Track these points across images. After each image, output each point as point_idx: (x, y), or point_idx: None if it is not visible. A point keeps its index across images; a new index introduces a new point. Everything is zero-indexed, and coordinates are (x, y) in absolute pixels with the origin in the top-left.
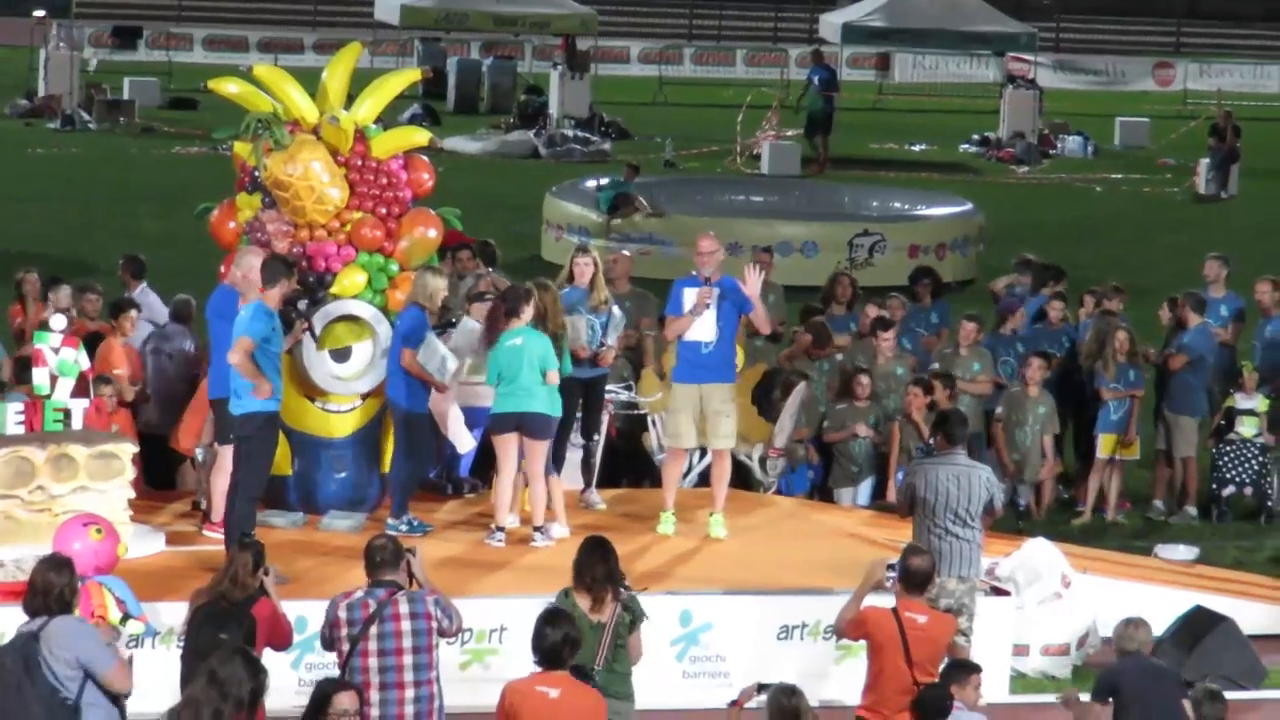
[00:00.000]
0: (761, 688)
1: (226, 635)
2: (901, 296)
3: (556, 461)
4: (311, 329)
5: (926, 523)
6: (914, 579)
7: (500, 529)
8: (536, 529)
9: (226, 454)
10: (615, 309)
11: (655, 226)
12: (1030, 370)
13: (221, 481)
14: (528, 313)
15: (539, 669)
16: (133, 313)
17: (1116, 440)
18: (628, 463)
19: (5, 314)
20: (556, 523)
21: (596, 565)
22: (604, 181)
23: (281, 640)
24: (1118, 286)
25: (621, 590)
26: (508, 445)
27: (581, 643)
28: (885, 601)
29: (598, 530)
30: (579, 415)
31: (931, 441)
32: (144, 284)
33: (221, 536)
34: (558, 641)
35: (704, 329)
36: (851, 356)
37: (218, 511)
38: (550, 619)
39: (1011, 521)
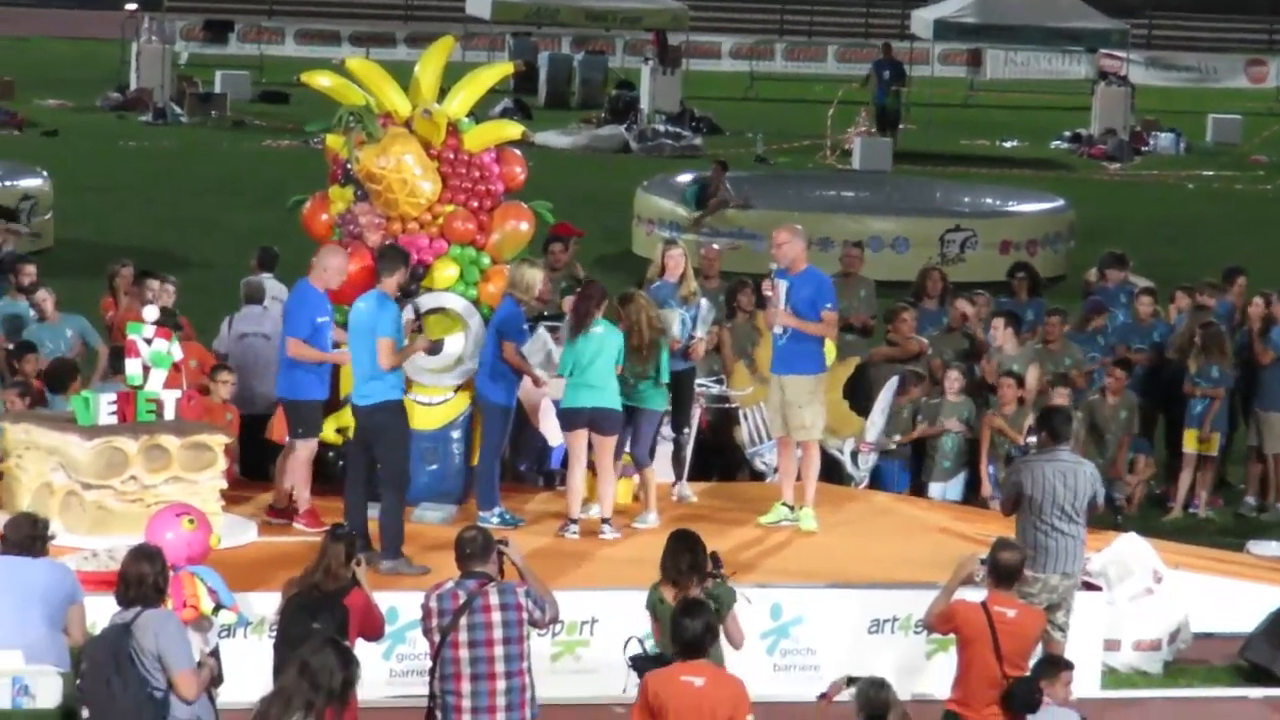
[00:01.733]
0: (850, 681)
1: (319, 625)
2: (987, 293)
3: (650, 453)
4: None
5: (1033, 519)
6: (1004, 573)
7: (574, 522)
8: (605, 521)
9: (298, 447)
10: (704, 302)
11: (745, 221)
12: (1112, 380)
13: (300, 474)
14: (604, 309)
15: (677, 659)
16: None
17: (1197, 435)
18: (718, 456)
19: (98, 307)
20: (651, 512)
21: (681, 556)
22: (690, 178)
23: (373, 631)
24: (1213, 282)
25: (710, 579)
26: (580, 439)
27: (719, 632)
28: (975, 596)
29: (688, 523)
30: (668, 409)
31: (1030, 440)
32: (271, 274)
33: (303, 529)
34: (699, 631)
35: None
36: (940, 350)
37: (301, 503)
38: (687, 610)
39: (1109, 518)
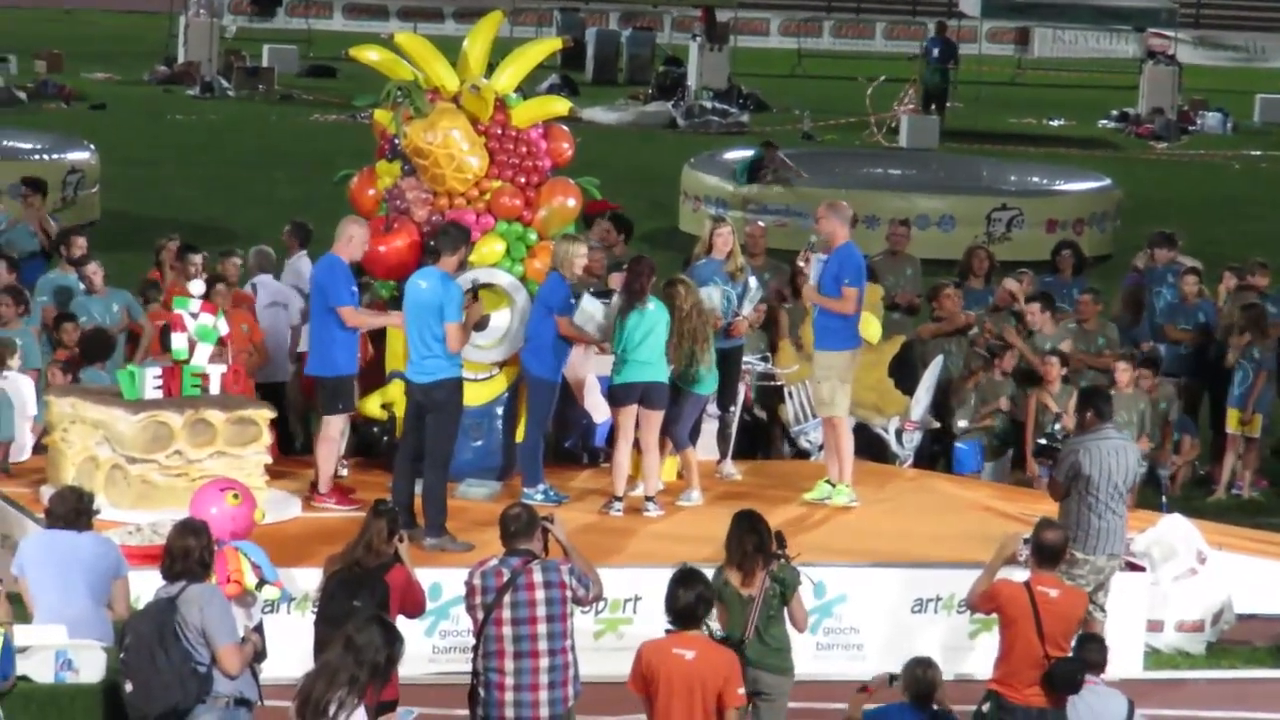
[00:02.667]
0: (893, 679)
1: (359, 602)
2: (1030, 271)
3: (694, 433)
4: (475, 294)
5: (1089, 499)
6: (1047, 553)
7: (618, 499)
8: (649, 499)
9: (331, 423)
10: (752, 279)
11: (792, 199)
12: (1118, 373)
13: (325, 450)
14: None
15: (672, 629)
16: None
17: (1239, 415)
18: (764, 434)
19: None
20: (695, 489)
21: (746, 538)
22: (747, 154)
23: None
24: (1262, 262)
25: (775, 561)
26: (629, 416)
27: (714, 602)
28: (1019, 575)
29: (732, 501)
30: (714, 392)
31: (1059, 423)
32: (304, 251)
33: (329, 507)
34: (691, 601)
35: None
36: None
37: (325, 482)
38: (683, 579)
39: (1154, 498)
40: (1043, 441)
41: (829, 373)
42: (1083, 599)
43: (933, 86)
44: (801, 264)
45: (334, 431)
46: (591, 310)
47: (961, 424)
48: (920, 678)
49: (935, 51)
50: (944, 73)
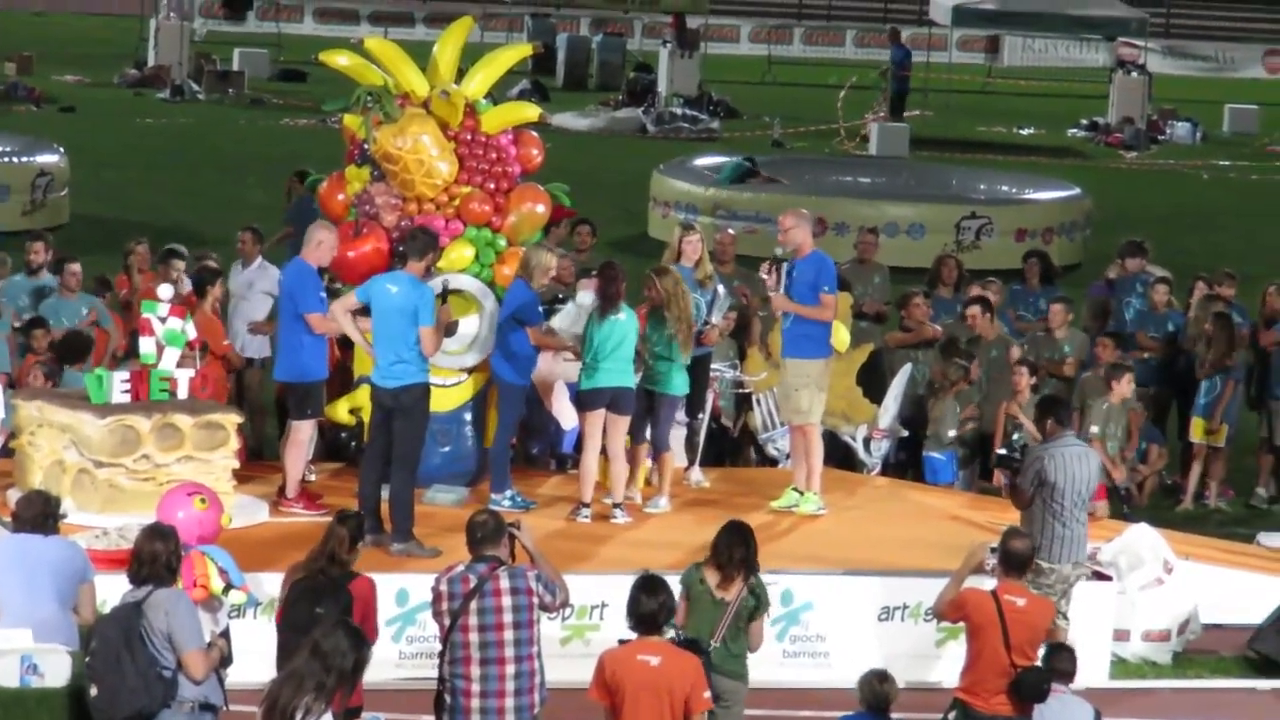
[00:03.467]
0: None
1: (322, 609)
2: (999, 281)
3: (662, 441)
4: (444, 298)
5: (1053, 507)
6: (1014, 562)
7: (586, 505)
8: (616, 505)
9: (300, 429)
10: (720, 287)
11: (762, 205)
12: (1122, 385)
13: (293, 455)
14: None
15: (634, 636)
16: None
17: (1205, 425)
18: (731, 440)
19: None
20: (664, 496)
21: (736, 548)
22: (724, 161)
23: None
24: (1230, 273)
25: (753, 577)
26: (597, 421)
27: (675, 610)
28: (986, 584)
29: (700, 508)
30: (688, 392)
31: (1017, 433)
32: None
33: (296, 512)
34: (654, 608)
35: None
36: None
37: (292, 487)
38: (646, 586)
39: (1118, 508)
40: (1003, 451)
41: (805, 380)
42: (1049, 608)
43: (897, 94)
44: (765, 276)
45: (302, 436)
46: (575, 313)
47: (951, 433)
48: (877, 691)
49: (899, 58)
50: (901, 79)
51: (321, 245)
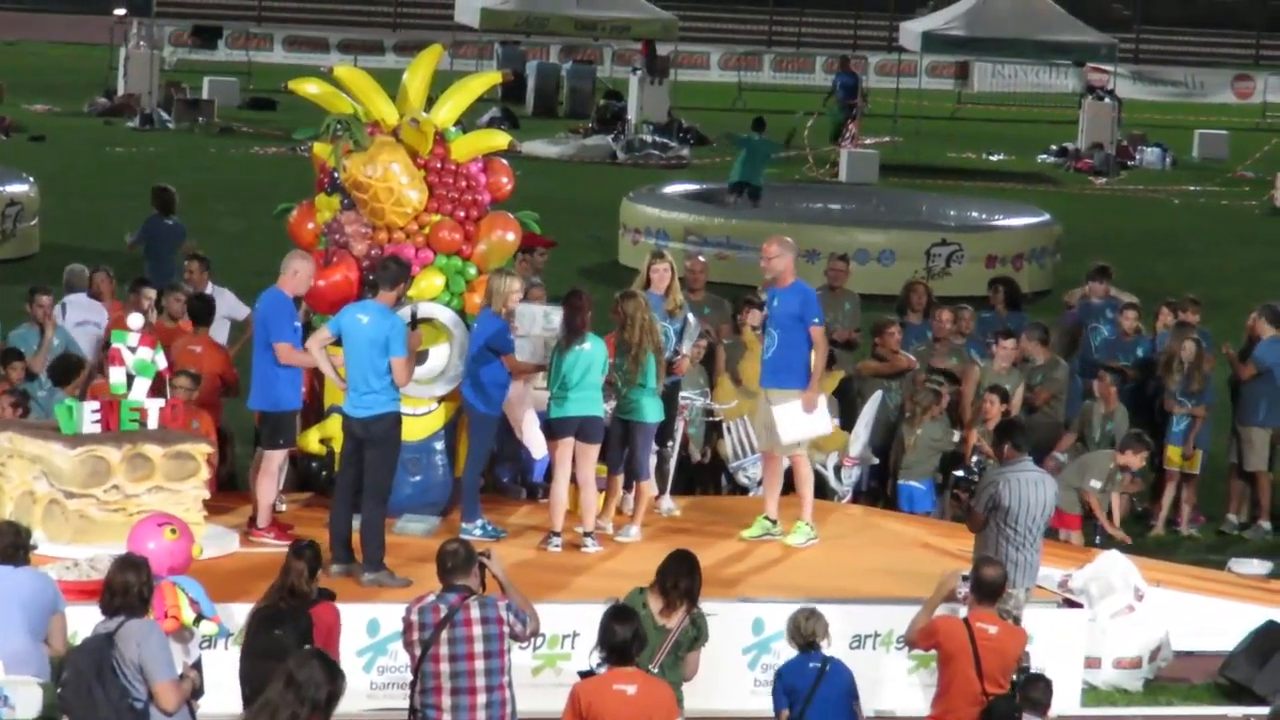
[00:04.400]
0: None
1: (280, 633)
2: (970, 307)
3: (641, 469)
4: (414, 325)
5: (1007, 532)
6: (986, 589)
7: (556, 534)
8: (586, 534)
9: (271, 458)
10: (690, 316)
11: (734, 230)
12: (986, 406)
13: (264, 485)
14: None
15: (604, 666)
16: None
17: (1180, 452)
18: (702, 469)
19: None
20: (635, 525)
21: (681, 577)
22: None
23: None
24: (1194, 299)
25: (695, 608)
26: (566, 450)
27: (646, 639)
28: (957, 612)
29: (671, 537)
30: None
31: (976, 456)
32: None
33: (267, 542)
34: (628, 638)
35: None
36: (925, 365)
37: (263, 517)
38: (618, 615)
39: (1090, 534)
40: (960, 473)
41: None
42: (1021, 636)
43: (839, 121)
44: (754, 324)
45: (273, 466)
46: (531, 313)
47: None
48: (802, 627)
49: (839, 86)
50: (848, 107)
51: (298, 275)
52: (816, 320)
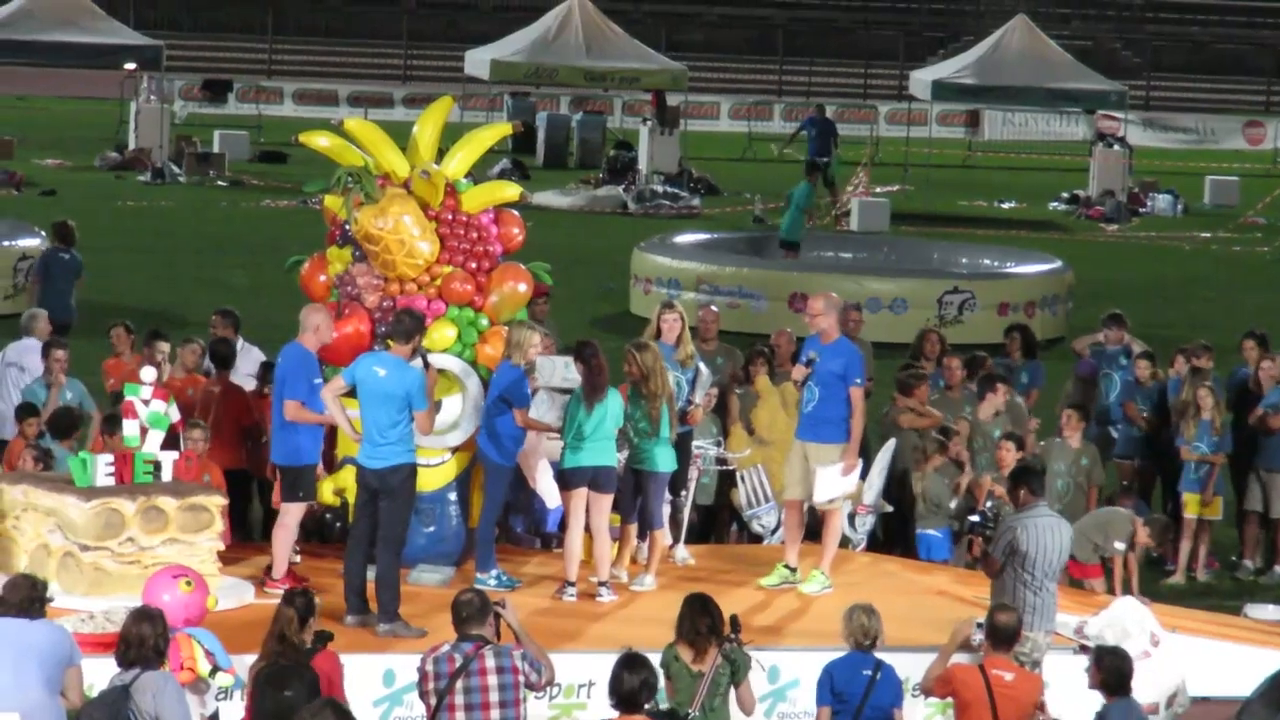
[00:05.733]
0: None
1: (290, 693)
2: (988, 356)
3: (654, 519)
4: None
5: (1024, 576)
6: (1001, 635)
7: (571, 584)
8: (601, 584)
9: (290, 511)
10: (702, 366)
11: (745, 280)
12: (1001, 453)
13: (281, 537)
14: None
15: (616, 713)
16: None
17: (1199, 499)
18: (716, 518)
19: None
20: (650, 574)
21: (700, 619)
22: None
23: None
24: (1207, 345)
25: (728, 643)
26: (580, 500)
27: (657, 687)
28: (974, 660)
29: (687, 585)
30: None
31: (990, 501)
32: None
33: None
34: (636, 686)
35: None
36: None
37: (280, 568)
38: (628, 664)
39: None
40: (975, 519)
41: (828, 465)
42: (1038, 683)
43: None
44: (798, 379)
45: (291, 519)
46: (551, 365)
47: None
48: (864, 625)
49: (813, 132)
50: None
51: (320, 329)
52: (859, 381)
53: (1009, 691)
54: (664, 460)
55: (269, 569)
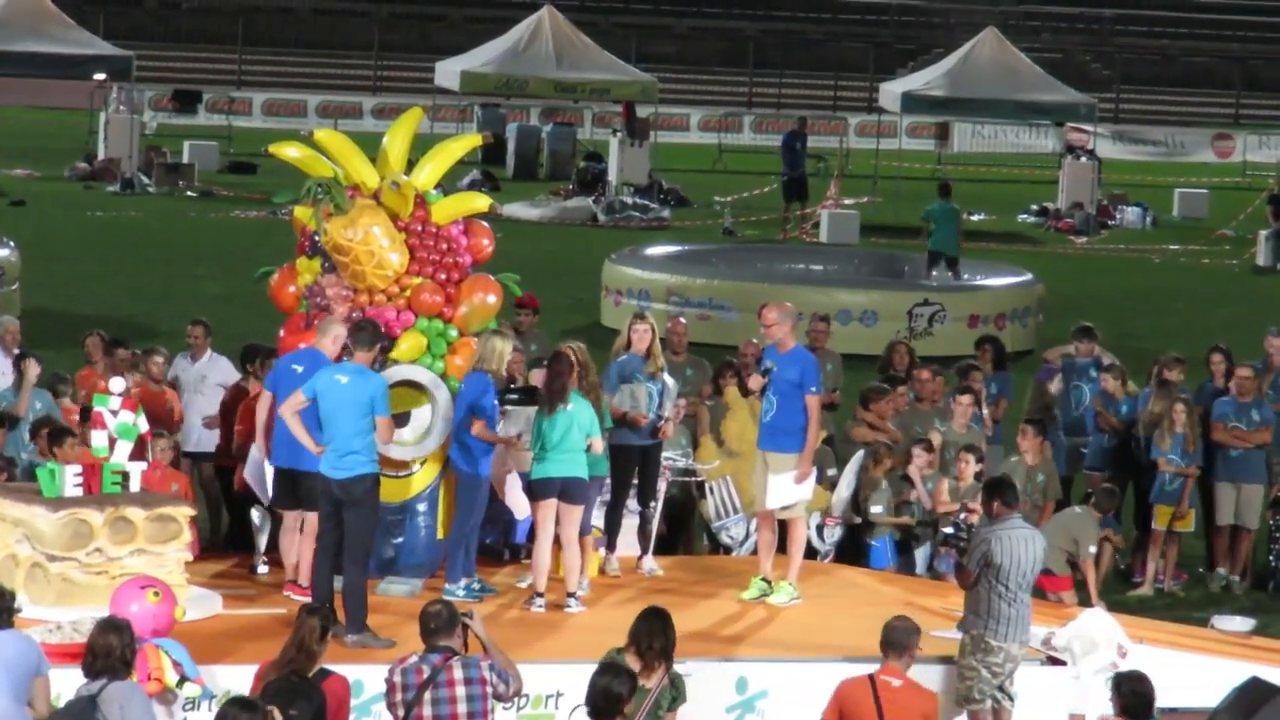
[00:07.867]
0: None
1: (295, 712)
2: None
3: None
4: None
5: (999, 588)
6: (893, 643)
7: (540, 594)
8: (570, 594)
9: (309, 519)
10: (668, 379)
11: (716, 291)
12: (960, 465)
13: (290, 542)
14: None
15: None
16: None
17: (1172, 512)
18: (684, 529)
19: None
20: (584, 578)
21: (655, 637)
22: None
23: None
24: (1178, 357)
25: (674, 668)
26: (549, 510)
27: (633, 695)
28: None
29: (655, 596)
30: (635, 482)
31: (963, 514)
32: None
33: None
34: (621, 693)
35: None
36: (908, 425)
37: (304, 574)
38: (608, 670)
39: (1085, 599)
40: (949, 530)
41: (785, 474)
42: (928, 694)
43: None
44: (755, 389)
45: (293, 524)
46: (526, 413)
47: (876, 509)
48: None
49: (798, 146)
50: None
51: (338, 339)
52: (814, 389)
53: (896, 698)
54: (599, 464)
55: (295, 580)
